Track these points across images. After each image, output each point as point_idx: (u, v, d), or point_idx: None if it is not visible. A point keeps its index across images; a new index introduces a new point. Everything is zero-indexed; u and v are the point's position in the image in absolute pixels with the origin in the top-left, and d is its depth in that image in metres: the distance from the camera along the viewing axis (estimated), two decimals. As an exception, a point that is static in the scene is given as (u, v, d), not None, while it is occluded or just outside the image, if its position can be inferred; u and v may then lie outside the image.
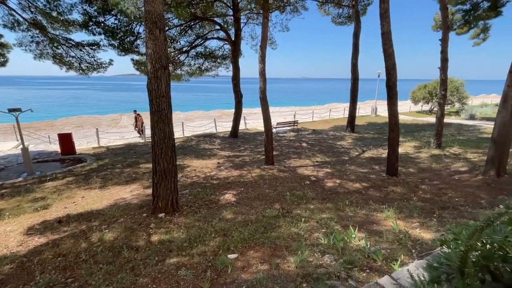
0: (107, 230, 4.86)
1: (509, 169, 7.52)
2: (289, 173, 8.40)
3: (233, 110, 15.80)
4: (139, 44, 12.86)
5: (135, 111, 15.93)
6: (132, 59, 13.99)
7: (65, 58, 11.97)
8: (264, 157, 9.71)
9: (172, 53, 14.45)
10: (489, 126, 15.86)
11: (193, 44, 15.12)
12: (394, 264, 3.28)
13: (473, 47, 21.31)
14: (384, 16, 7.36)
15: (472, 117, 21.49)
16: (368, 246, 3.76)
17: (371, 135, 15.82)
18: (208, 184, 7.49)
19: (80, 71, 12.33)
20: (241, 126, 17.71)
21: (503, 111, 7.01)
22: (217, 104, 46.51)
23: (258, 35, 15.51)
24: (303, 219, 4.95)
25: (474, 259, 1.49)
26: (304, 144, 13.27)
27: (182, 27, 14.36)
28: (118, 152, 11.98)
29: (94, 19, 11.32)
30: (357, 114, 18.12)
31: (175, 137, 5.66)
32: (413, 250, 3.64)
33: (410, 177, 7.85)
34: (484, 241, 1.48)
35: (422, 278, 1.50)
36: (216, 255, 3.88)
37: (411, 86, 27.32)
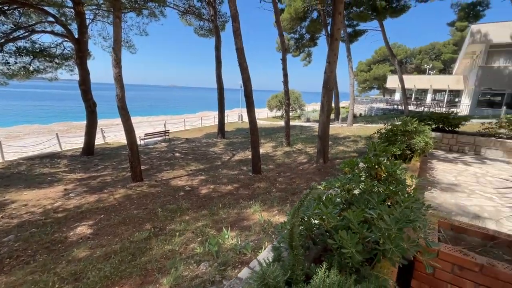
0: None
1: (330, 156, 10.37)
2: (161, 187, 7.84)
3: (85, 122, 13.01)
4: None
5: None
6: None
7: None
8: (130, 174, 8.57)
9: (-28, 45, 10.15)
10: (317, 126, 21.32)
11: (11, 36, 11.25)
12: (260, 253, 3.70)
13: (303, 67, 28.11)
14: (237, 33, 8.31)
15: (308, 120, 28.20)
16: (239, 242, 4.05)
17: (239, 139, 17.46)
18: (49, 219, 5.74)
19: None
20: (99, 140, 14.92)
21: (322, 115, 9.59)
22: (63, 115, 37.15)
23: (111, 36, 13.63)
24: (177, 233, 4.72)
25: (302, 233, 1.88)
26: (177, 154, 12.82)
27: (-13, 11, 10.35)
28: None
29: None
30: (226, 121, 19.52)
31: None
32: (273, 236, 4.25)
33: (270, 172, 9.24)
34: (306, 217, 1.91)
35: (268, 260, 1.70)
36: (62, 310, 3.00)
37: (268, 95, 32.53)
